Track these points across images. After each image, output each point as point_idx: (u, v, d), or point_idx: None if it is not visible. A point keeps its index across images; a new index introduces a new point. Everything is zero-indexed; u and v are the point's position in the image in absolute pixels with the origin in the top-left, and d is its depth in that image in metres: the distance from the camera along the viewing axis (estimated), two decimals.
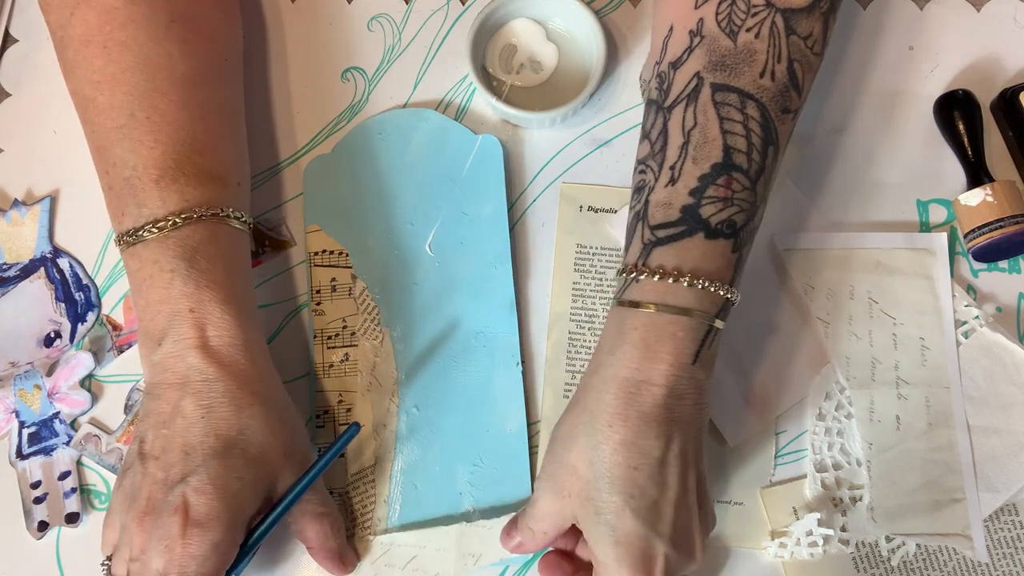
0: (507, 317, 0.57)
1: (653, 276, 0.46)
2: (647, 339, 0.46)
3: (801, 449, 0.55)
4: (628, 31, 0.62)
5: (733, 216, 0.47)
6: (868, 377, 0.56)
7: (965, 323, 0.56)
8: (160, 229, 0.48)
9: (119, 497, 0.48)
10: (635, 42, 0.62)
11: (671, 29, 0.50)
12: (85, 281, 0.59)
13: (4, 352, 0.58)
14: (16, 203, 0.60)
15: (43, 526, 0.55)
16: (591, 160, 0.60)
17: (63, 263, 0.59)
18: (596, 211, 0.59)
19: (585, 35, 0.60)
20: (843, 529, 0.54)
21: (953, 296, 0.57)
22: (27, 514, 0.55)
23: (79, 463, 0.56)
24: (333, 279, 0.58)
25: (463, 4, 0.64)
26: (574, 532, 0.48)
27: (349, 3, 0.64)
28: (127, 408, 0.57)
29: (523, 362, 0.57)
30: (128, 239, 0.49)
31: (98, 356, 0.58)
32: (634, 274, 0.47)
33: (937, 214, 0.59)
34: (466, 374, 0.57)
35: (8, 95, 0.63)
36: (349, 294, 0.58)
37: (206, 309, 0.48)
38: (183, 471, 0.46)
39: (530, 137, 0.61)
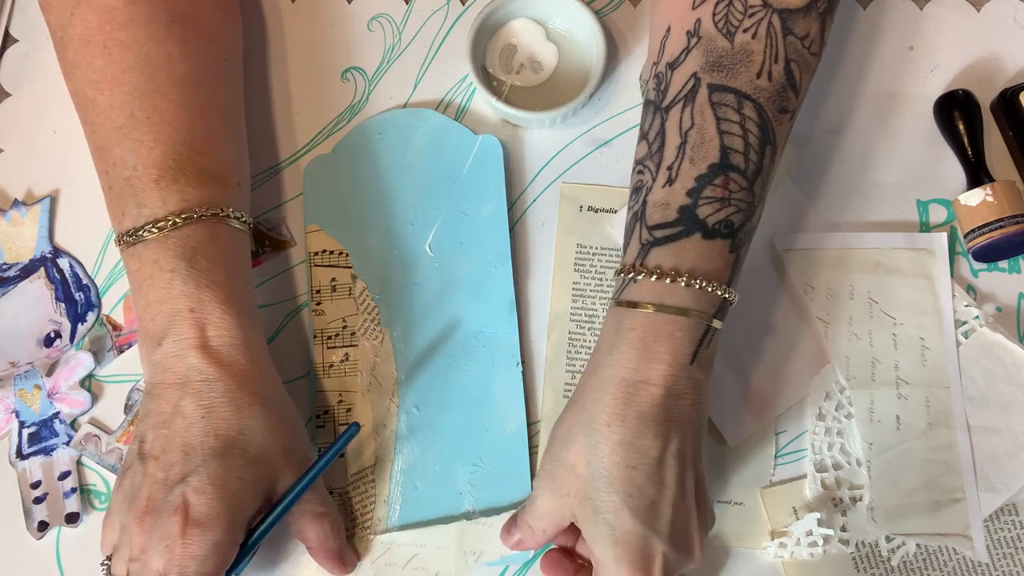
0: (507, 317, 0.57)
1: (651, 276, 0.46)
2: (645, 339, 0.46)
3: (801, 449, 0.55)
4: (628, 31, 0.62)
5: (730, 216, 0.47)
6: (868, 377, 0.56)
7: (965, 323, 0.56)
8: (160, 229, 0.48)
9: (119, 497, 0.48)
10: (635, 42, 0.62)
11: (668, 30, 0.50)
12: (85, 281, 0.59)
13: (4, 352, 0.58)
14: (16, 203, 0.60)
15: (43, 526, 0.55)
16: (591, 160, 0.60)
17: (63, 263, 0.59)
18: (596, 211, 0.59)
19: (585, 35, 0.60)
20: (843, 529, 0.54)
21: (953, 296, 0.57)
22: (27, 514, 0.55)
23: (79, 463, 0.56)
24: (333, 279, 0.58)
25: (463, 4, 0.64)
26: (574, 529, 0.48)
27: (349, 3, 0.64)
28: (127, 408, 0.57)
29: (523, 362, 0.57)
30: (128, 239, 0.49)
31: (98, 356, 0.58)
32: (632, 274, 0.47)
33: (937, 214, 0.59)
34: (466, 374, 0.57)
35: (8, 95, 0.63)
36: (349, 294, 0.58)
37: (206, 309, 0.48)
38: (183, 471, 0.46)
39: (530, 137, 0.61)
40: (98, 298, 0.59)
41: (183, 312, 0.48)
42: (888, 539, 0.54)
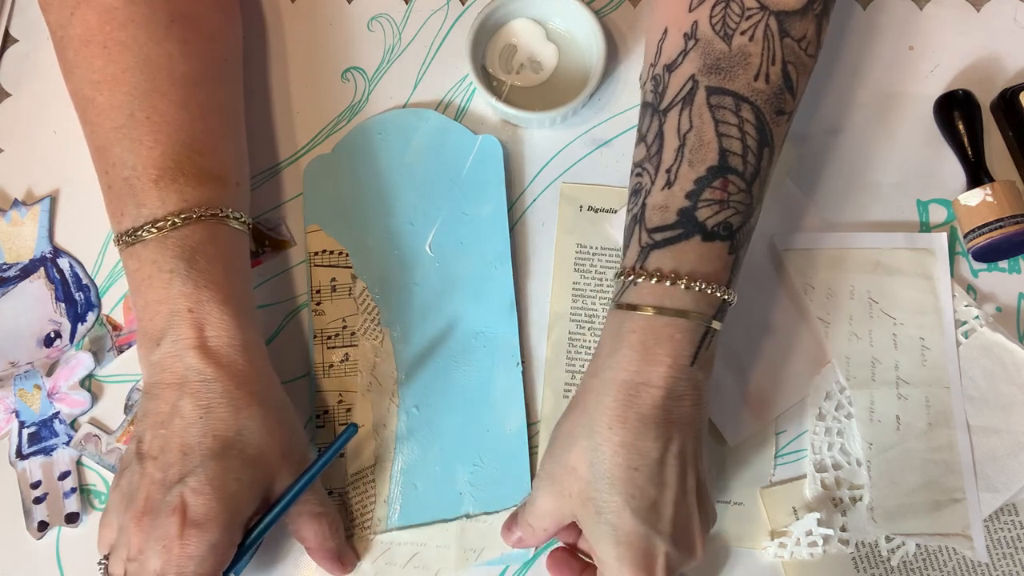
0: (507, 317, 0.57)
1: (651, 279, 0.46)
2: (645, 342, 0.46)
3: (801, 449, 0.55)
4: (628, 31, 0.62)
5: (729, 218, 0.47)
6: (868, 377, 0.56)
7: (965, 323, 0.56)
8: (159, 229, 0.48)
9: (116, 497, 0.48)
10: (635, 42, 0.62)
11: (665, 31, 0.50)
12: (85, 281, 0.59)
13: (4, 352, 0.58)
14: (16, 203, 0.60)
15: (43, 526, 0.55)
16: (591, 160, 0.60)
17: (63, 263, 0.59)
18: (596, 211, 0.59)
19: (585, 35, 0.60)
20: (843, 529, 0.54)
21: (953, 296, 0.57)
22: (27, 514, 0.55)
23: (79, 463, 0.56)
24: (333, 279, 0.58)
25: (463, 4, 0.64)
26: (575, 526, 0.49)
27: (349, 3, 0.64)
28: (127, 408, 0.57)
29: (523, 362, 0.57)
30: (127, 239, 0.49)
31: (98, 356, 0.58)
32: (632, 277, 0.47)
33: (937, 214, 0.59)
34: (466, 374, 0.57)
35: (8, 95, 0.63)
36: (349, 294, 0.58)
37: (205, 309, 0.48)
38: (181, 471, 0.46)
39: (530, 137, 0.61)
40: (98, 298, 0.59)
41: (182, 312, 0.48)
42: (888, 539, 0.54)
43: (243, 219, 0.52)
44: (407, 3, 0.64)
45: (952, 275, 0.57)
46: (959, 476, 0.54)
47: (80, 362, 0.57)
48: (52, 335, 0.58)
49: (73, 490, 0.55)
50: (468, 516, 0.54)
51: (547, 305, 0.58)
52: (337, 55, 0.63)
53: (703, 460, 0.48)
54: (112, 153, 0.50)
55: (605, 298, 0.58)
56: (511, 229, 0.59)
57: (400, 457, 0.55)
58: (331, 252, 0.58)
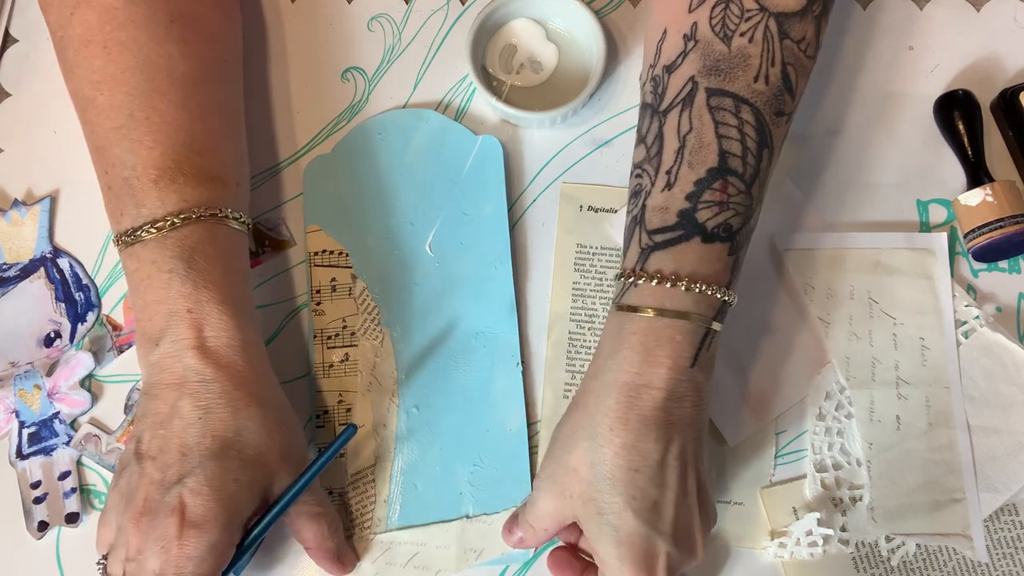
0: (507, 317, 0.57)
1: (651, 281, 0.46)
2: (646, 343, 0.46)
3: (801, 449, 0.55)
4: (628, 31, 0.62)
5: (729, 220, 0.47)
6: (868, 377, 0.56)
7: (965, 323, 0.56)
8: (159, 229, 0.48)
9: (115, 496, 0.48)
10: (635, 42, 0.62)
11: (665, 32, 0.50)
12: (85, 281, 0.59)
13: (4, 352, 0.58)
14: (16, 203, 0.60)
15: (43, 526, 0.55)
16: (591, 160, 0.60)
17: (63, 263, 0.59)
18: (596, 211, 0.59)
19: (585, 35, 0.60)
20: (843, 529, 0.54)
21: (953, 296, 0.57)
22: (27, 514, 0.55)
23: (79, 463, 0.56)
24: (333, 279, 0.58)
25: (463, 4, 0.64)
26: (576, 525, 0.49)
27: (349, 3, 0.64)
28: (127, 408, 0.57)
29: (523, 362, 0.57)
30: (126, 239, 0.49)
31: (98, 356, 0.58)
32: (632, 279, 0.47)
33: (937, 214, 0.59)
34: (466, 374, 0.57)
35: (8, 95, 0.63)
36: (349, 294, 0.58)
37: (204, 310, 0.48)
38: (180, 472, 0.46)
39: (530, 137, 0.61)
40: (98, 298, 0.59)
41: (180, 312, 0.48)
42: (888, 539, 0.54)
43: (243, 219, 0.52)
44: (407, 3, 0.64)
45: (952, 275, 0.57)
46: (959, 476, 0.54)
47: (80, 362, 0.57)
48: (52, 335, 0.58)
49: (73, 490, 0.55)
50: (468, 516, 0.54)
51: (547, 305, 0.58)
52: (337, 55, 0.63)
53: (704, 461, 0.48)
54: (112, 153, 0.50)
55: (605, 298, 0.58)
56: (511, 229, 0.59)
57: (400, 457, 0.55)
58: (331, 252, 0.58)
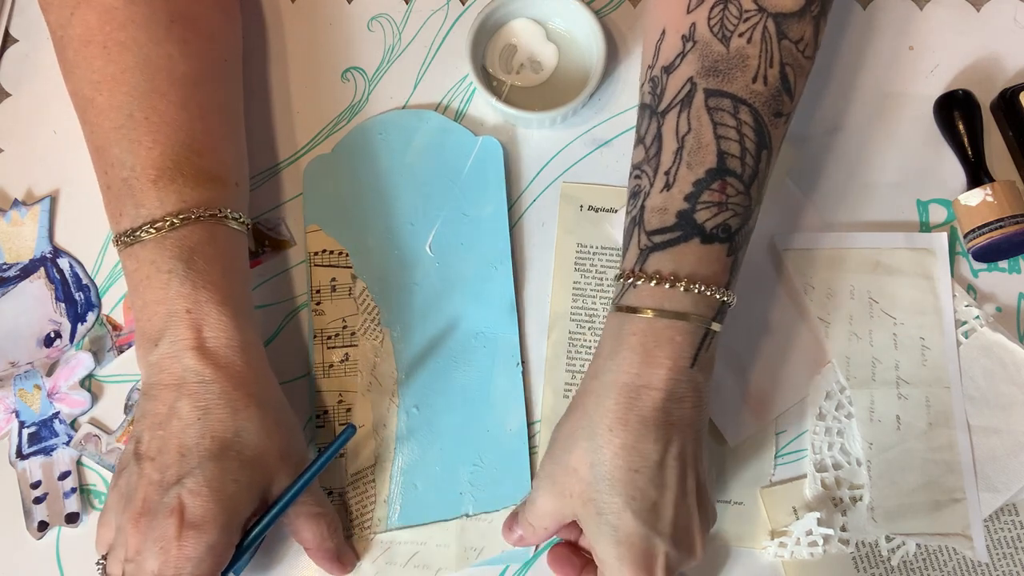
0: (507, 317, 0.57)
1: (650, 281, 0.46)
2: (646, 344, 0.46)
3: (801, 449, 0.55)
4: (628, 31, 0.62)
5: (728, 220, 0.47)
6: (868, 377, 0.56)
7: (965, 323, 0.56)
8: (158, 230, 0.48)
9: (115, 497, 0.48)
10: (635, 42, 0.62)
11: (663, 33, 0.50)
12: (85, 281, 0.59)
13: (4, 352, 0.58)
14: (16, 203, 0.60)
15: (43, 526, 0.55)
16: (591, 160, 0.60)
17: (63, 263, 0.59)
18: (596, 211, 0.59)
19: (585, 35, 0.60)
20: (843, 529, 0.54)
21: (953, 296, 0.57)
22: (27, 514, 0.55)
23: (79, 463, 0.56)
24: (333, 279, 0.58)
25: (463, 4, 0.64)
26: (577, 524, 0.49)
27: (349, 3, 0.64)
28: (127, 408, 0.57)
29: (523, 362, 0.57)
30: (126, 239, 0.49)
31: (98, 356, 0.58)
32: (631, 279, 0.47)
33: (937, 214, 0.59)
34: (466, 374, 0.57)
35: (8, 95, 0.63)
36: (349, 294, 0.58)
37: (203, 310, 0.48)
38: (179, 473, 0.46)
39: (530, 137, 0.61)
40: (98, 298, 0.59)
41: (180, 313, 0.48)
42: (888, 539, 0.54)
43: (242, 219, 0.52)
44: (407, 3, 0.64)
45: (952, 275, 0.57)
46: (959, 476, 0.54)
47: (80, 362, 0.57)
48: (52, 335, 0.58)
49: (73, 490, 0.55)
50: (468, 515, 0.54)
51: (547, 305, 0.58)
52: (337, 55, 0.63)
53: (703, 461, 0.48)
54: (111, 153, 0.50)
55: (606, 298, 0.58)
56: (511, 229, 0.59)
57: (400, 457, 0.55)
58: (331, 252, 0.58)
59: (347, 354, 0.57)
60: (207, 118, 0.52)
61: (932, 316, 0.56)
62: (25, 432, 0.56)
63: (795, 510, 0.54)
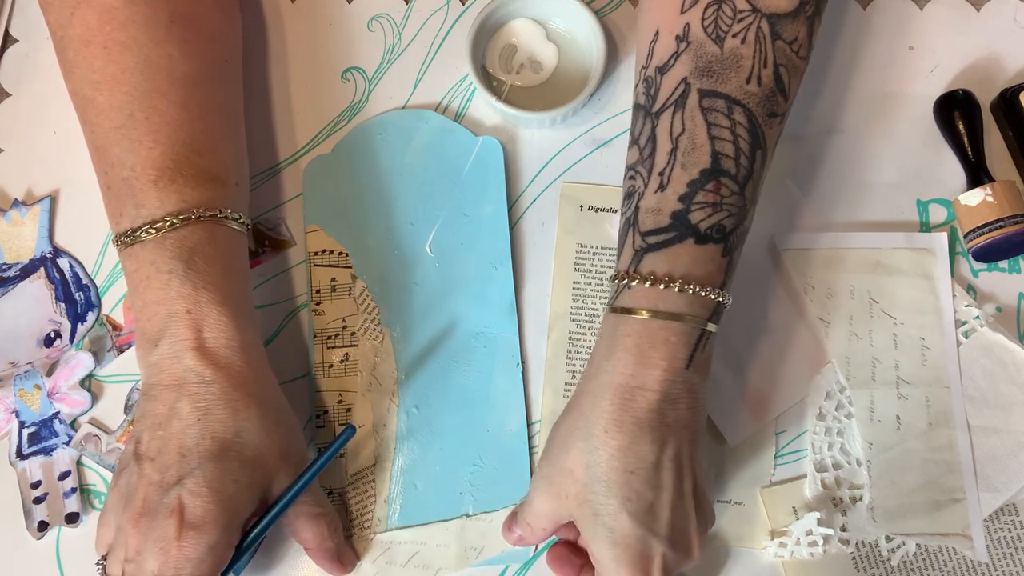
0: (507, 318, 0.57)
1: (645, 282, 0.46)
2: (641, 345, 0.46)
3: (801, 449, 0.55)
4: (628, 31, 0.62)
5: (722, 221, 0.47)
6: (868, 377, 0.56)
7: (965, 323, 0.56)
8: (158, 230, 0.48)
9: (115, 497, 0.48)
10: (635, 42, 0.62)
11: (657, 33, 0.50)
12: (85, 281, 0.59)
13: (4, 352, 0.58)
14: (16, 203, 0.60)
15: (43, 526, 0.55)
16: (591, 160, 0.60)
17: (63, 263, 0.59)
18: (596, 211, 0.59)
19: (585, 35, 0.60)
20: (843, 529, 0.54)
21: (953, 296, 0.57)
22: (27, 514, 0.55)
23: (79, 463, 0.56)
24: (333, 279, 0.58)
25: (463, 4, 0.64)
26: (575, 524, 0.49)
27: (349, 3, 0.64)
28: (127, 408, 0.57)
29: (523, 362, 0.57)
30: (126, 240, 0.49)
31: (98, 356, 0.58)
32: (626, 280, 0.47)
33: (937, 214, 0.59)
34: (466, 374, 0.57)
35: (8, 95, 0.63)
36: (349, 294, 0.58)
37: (203, 311, 0.48)
38: (179, 473, 0.46)
39: (530, 137, 0.61)
40: (98, 298, 0.59)
41: (180, 313, 0.48)
42: (888, 539, 0.54)
43: (242, 220, 0.52)
44: (407, 3, 0.64)
45: (952, 275, 0.57)
46: (959, 476, 0.54)
47: (80, 362, 0.57)
48: (52, 335, 0.58)
49: (73, 490, 0.55)
50: (468, 515, 0.54)
51: (547, 305, 0.58)
52: (337, 55, 0.63)
53: (700, 462, 0.48)
54: (111, 153, 0.50)
55: (605, 298, 0.58)
56: (511, 229, 0.59)
57: (400, 457, 0.55)
58: (331, 252, 0.58)
59: (347, 354, 0.57)
60: (207, 118, 0.52)
61: (932, 316, 0.56)
62: (25, 432, 0.56)
63: (795, 510, 0.54)
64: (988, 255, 0.57)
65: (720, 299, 0.47)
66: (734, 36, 0.48)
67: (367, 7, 0.64)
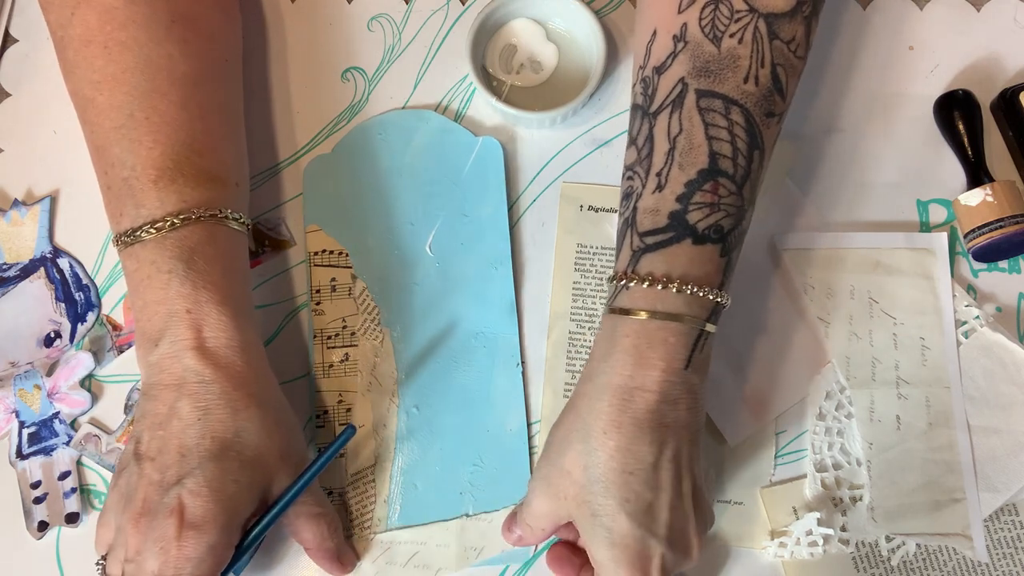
0: (507, 318, 0.57)
1: (643, 283, 0.46)
2: (639, 346, 0.46)
3: (801, 449, 0.55)
4: (628, 31, 0.62)
5: (720, 221, 0.47)
6: (868, 377, 0.56)
7: (965, 323, 0.56)
8: (158, 230, 0.48)
9: (114, 497, 0.48)
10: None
11: (654, 33, 0.50)
12: (85, 281, 0.59)
13: (4, 352, 0.58)
14: (16, 203, 0.60)
15: (43, 526, 0.55)
16: (591, 160, 0.60)
17: (63, 263, 0.59)
18: (596, 211, 0.59)
19: (585, 35, 0.60)
20: (843, 529, 0.54)
21: (953, 296, 0.57)
22: (27, 514, 0.55)
23: (79, 463, 0.56)
24: (333, 279, 0.58)
25: (463, 4, 0.64)
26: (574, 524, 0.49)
27: (349, 3, 0.64)
28: (127, 408, 0.57)
29: (523, 362, 0.57)
30: (126, 239, 0.49)
31: (98, 356, 0.58)
32: (624, 281, 0.47)
33: (937, 214, 0.59)
34: (466, 374, 0.57)
35: (8, 95, 0.63)
36: (349, 294, 0.58)
37: (203, 310, 0.48)
38: (179, 473, 0.46)
39: (530, 137, 0.61)
40: (98, 298, 0.59)
41: (180, 313, 0.48)
42: (888, 539, 0.54)
43: (242, 220, 0.52)
44: (407, 3, 0.64)
45: (952, 275, 0.57)
46: (959, 476, 0.54)
47: (80, 362, 0.57)
48: (52, 335, 0.58)
49: (73, 490, 0.55)
50: (468, 515, 0.54)
51: (547, 305, 0.58)
52: (337, 55, 0.63)
53: (699, 463, 0.48)
54: (111, 153, 0.50)
55: (605, 298, 0.58)
56: (511, 229, 0.59)
57: (400, 457, 0.55)
58: (331, 252, 0.58)
59: (347, 354, 0.57)
60: (207, 118, 0.52)
61: (932, 316, 0.56)
62: (25, 432, 0.56)
63: (795, 510, 0.54)
64: (988, 255, 0.57)
65: (718, 299, 0.47)
66: (731, 36, 0.48)
67: (367, 7, 0.64)
